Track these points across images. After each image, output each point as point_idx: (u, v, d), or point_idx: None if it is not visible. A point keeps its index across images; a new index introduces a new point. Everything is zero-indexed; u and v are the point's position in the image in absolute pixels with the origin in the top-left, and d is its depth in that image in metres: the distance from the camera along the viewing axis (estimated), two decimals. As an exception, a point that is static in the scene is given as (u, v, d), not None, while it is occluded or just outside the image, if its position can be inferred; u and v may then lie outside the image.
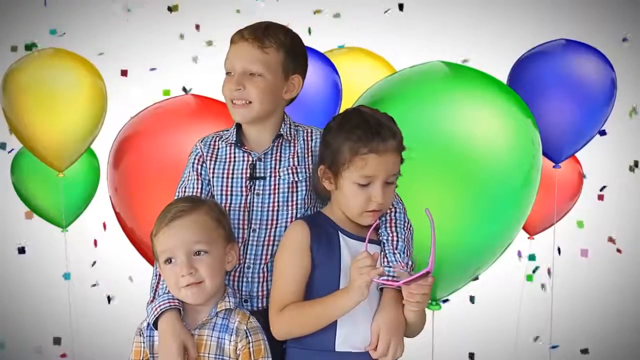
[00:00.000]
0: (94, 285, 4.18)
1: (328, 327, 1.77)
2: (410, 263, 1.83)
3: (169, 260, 1.77)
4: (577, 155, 3.45)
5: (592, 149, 3.73)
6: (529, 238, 3.73)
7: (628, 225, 4.32)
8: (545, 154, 2.99)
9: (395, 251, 1.82)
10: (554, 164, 3.19)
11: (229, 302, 1.80)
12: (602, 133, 3.86)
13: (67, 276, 3.72)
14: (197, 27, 4.08)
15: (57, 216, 3.64)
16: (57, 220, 3.70)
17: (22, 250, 4.19)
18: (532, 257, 3.92)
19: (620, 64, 3.12)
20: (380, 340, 1.77)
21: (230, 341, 1.76)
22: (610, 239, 4.14)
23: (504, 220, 2.25)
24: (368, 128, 1.78)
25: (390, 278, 1.77)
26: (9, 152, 3.88)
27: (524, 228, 3.43)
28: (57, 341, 3.94)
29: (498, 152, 2.17)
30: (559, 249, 3.67)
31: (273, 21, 1.98)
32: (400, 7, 4.06)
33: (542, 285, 3.94)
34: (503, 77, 3.12)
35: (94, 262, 4.20)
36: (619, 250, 4.16)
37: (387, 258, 1.82)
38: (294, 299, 1.79)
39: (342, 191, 1.82)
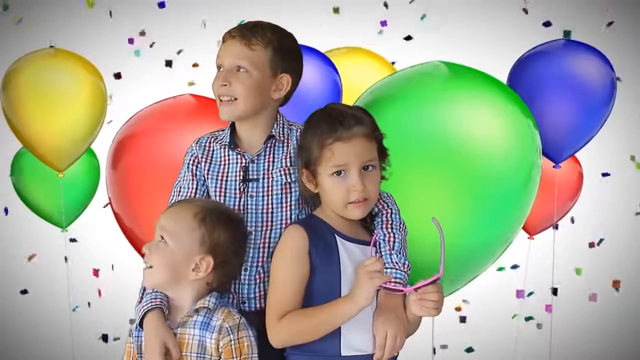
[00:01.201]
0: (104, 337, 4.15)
1: (332, 332, 1.74)
2: (407, 264, 1.82)
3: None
4: (577, 155, 3.45)
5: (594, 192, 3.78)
6: (529, 238, 3.73)
7: (629, 267, 4.31)
8: (545, 154, 2.99)
9: (392, 252, 1.82)
10: (554, 164, 3.18)
11: (209, 301, 1.79)
12: (605, 174, 3.93)
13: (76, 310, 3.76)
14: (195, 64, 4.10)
15: (57, 216, 3.64)
16: (57, 220, 3.70)
17: (24, 292, 4.21)
18: (530, 294, 3.94)
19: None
20: (387, 342, 1.75)
21: (211, 339, 1.75)
22: (616, 284, 4.13)
23: (504, 220, 2.24)
24: (330, 120, 1.80)
25: (396, 284, 1.76)
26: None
27: (524, 228, 3.43)
28: None
29: (498, 152, 2.17)
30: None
31: (264, 20, 1.98)
32: (408, 38, 4.06)
33: (538, 325, 3.94)
34: (503, 77, 3.12)
35: (89, 303, 4.18)
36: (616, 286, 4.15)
37: (383, 259, 1.81)
38: (293, 307, 1.76)
39: (323, 189, 1.82)
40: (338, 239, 1.81)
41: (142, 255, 1.88)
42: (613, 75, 3.06)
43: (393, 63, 3.77)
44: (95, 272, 4.04)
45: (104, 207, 3.53)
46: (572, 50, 3.06)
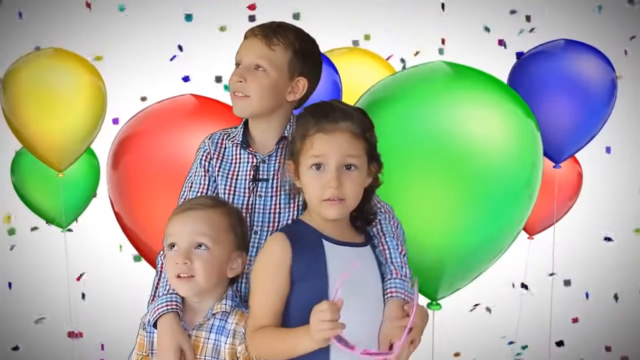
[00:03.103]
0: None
1: (321, 352, 1.61)
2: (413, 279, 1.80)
3: (171, 246, 1.77)
4: (577, 155, 3.45)
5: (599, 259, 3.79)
6: (528, 238, 3.73)
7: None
8: (545, 154, 2.97)
9: (405, 266, 1.79)
10: (554, 164, 3.19)
11: (226, 304, 1.79)
12: (608, 239, 3.97)
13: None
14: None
15: (57, 216, 3.64)
16: (57, 220, 3.70)
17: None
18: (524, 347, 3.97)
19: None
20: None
21: (226, 343, 1.75)
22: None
23: (504, 220, 2.24)
24: (317, 112, 1.73)
25: (347, 343, 1.56)
26: None
27: (523, 228, 3.43)
28: None
29: (499, 153, 2.17)
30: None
31: (288, 22, 1.98)
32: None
33: None
34: (504, 77, 3.12)
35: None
36: None
37: (395, 268, 1.76)
38: (268, 321, 1.67)
39: (303, 183, 1.74)
40: (326, 243, 1.71)
41: (154, 265, 1.87)
42: (613, 75, 3.07)
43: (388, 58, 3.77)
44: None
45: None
46: (572, 50, 3.07)
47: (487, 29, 4.00)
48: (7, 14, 4.09)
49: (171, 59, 3.93)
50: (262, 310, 1.68)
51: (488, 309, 4.07)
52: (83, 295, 4.12)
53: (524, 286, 3.80)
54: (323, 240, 1.72)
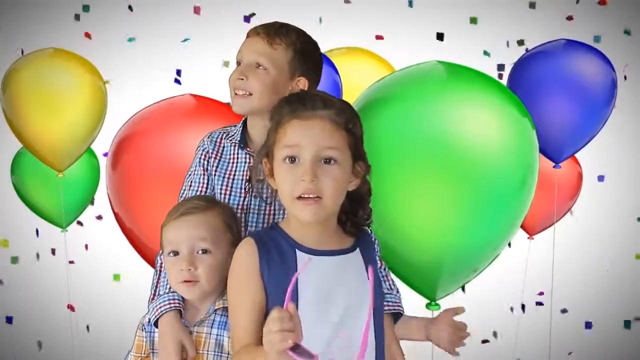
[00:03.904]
0: None
1: None
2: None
3: (173, 253, 1.78)
4: (577, 155, 3.45)
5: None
6: (528, 238, 3.73)
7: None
8: (545, 154, 2.99)
9: (388, 280, 1.84)
10: (554, 164, 3.19)
11: (227, 301, 1.78)
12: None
13: None
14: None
15: (57, 216, 3.65)
16: (57, 220, 3.70)
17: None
18: None
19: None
20: None
21: (228, 337, 1.75)
22: None
23: (502, 219, 2.24)
24: (295, 100, 1.55)
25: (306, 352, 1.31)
26: None
27: (523, 228, 3.43)
28: None
29: (495, 152, 2.16)
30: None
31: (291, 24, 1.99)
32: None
33: None
34: (503, 78, 3.12)
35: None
36: None
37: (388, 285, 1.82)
38: (250, 339, 1.49)
39: (276, 180, 1.54)
40: (299, 253, 1.52)
41: (153, 265, 1.88)
42: (613, 75, 3.07)
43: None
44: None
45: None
46: (572, 50, 3.07)
47: (486, 53, 4.01)
48: (4, 45, 4.12)
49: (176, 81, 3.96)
50: (241, 326, 1.51)
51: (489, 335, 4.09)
52: (88, 328, 4.14)
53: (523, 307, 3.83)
54: (297, 250, 1.53)
